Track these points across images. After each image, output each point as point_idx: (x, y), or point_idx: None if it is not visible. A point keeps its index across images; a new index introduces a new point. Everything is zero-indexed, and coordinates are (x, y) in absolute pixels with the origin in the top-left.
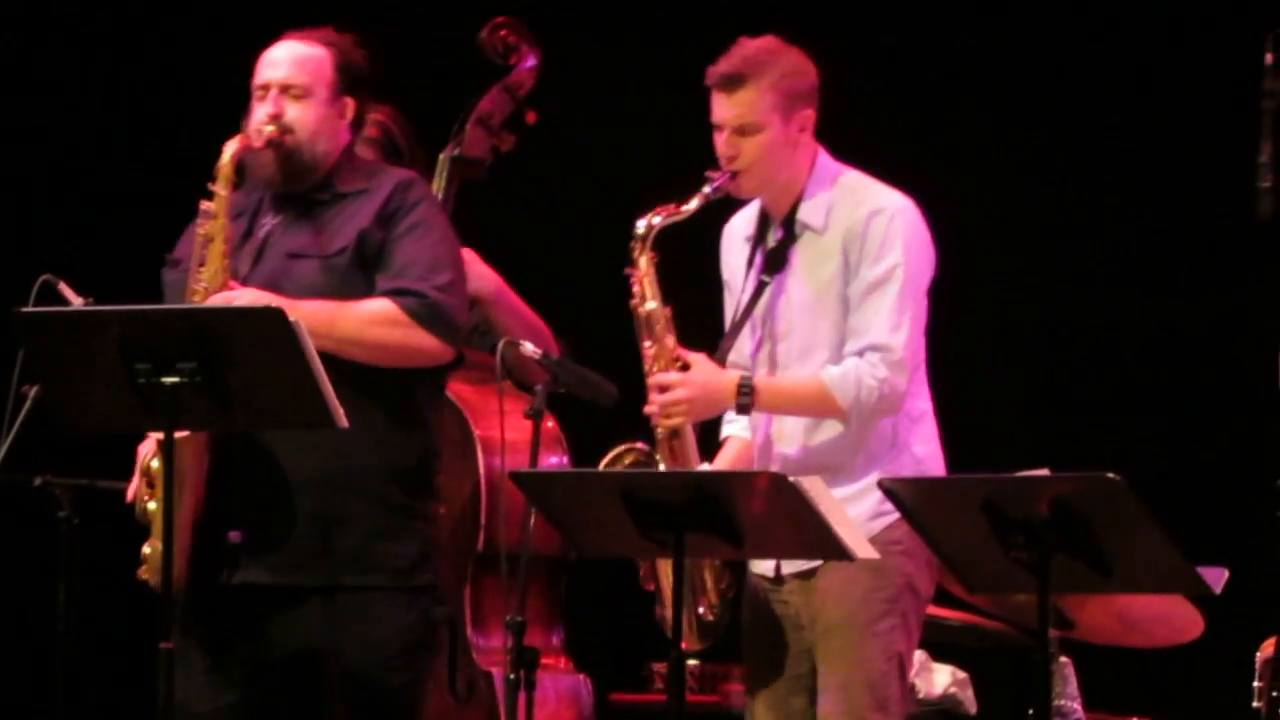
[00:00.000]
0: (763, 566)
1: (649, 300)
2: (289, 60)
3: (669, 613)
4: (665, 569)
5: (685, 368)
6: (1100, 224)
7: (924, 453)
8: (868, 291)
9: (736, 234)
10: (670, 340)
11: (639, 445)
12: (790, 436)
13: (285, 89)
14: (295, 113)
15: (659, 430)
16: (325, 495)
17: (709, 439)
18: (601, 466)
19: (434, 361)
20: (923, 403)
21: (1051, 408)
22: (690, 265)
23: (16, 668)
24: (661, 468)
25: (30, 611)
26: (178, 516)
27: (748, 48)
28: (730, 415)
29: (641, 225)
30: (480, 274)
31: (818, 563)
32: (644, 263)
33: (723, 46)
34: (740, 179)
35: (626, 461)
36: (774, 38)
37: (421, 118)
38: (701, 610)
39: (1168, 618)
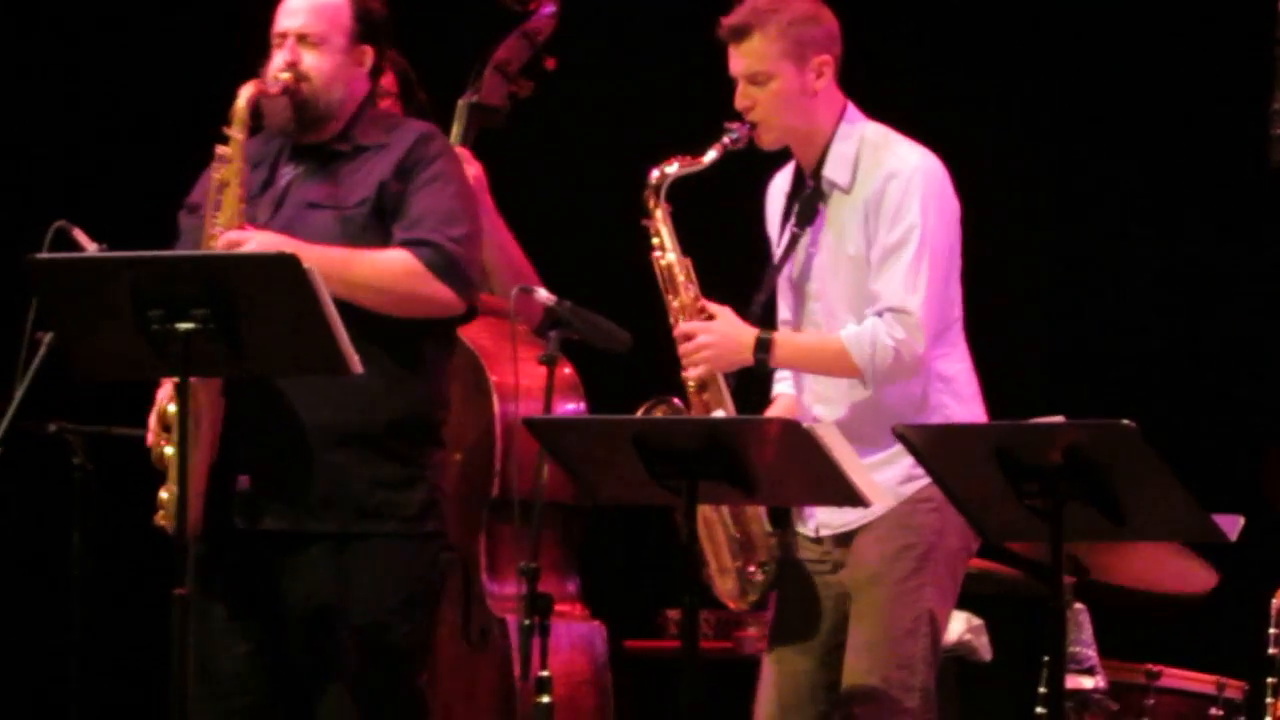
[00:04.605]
0: (805, 527)
1: (668, 252)
2: (306, 8)
3: (714, 574)
4: (707, 529)
5: (710, 319)
6: (1114, 172)
7: (955, 413)
8: (885, 255)
9: (777, 191)
10: (692, 291)
11: (673, 400)
12: (823, 402)
13: (302, 37)
14: (311, 61)
15: (689, 383)
16: (335, 443)
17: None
18: None
19: (446, 313)
20: (956, 363)
21: (1067, 356)
22: (723, 221)
23: (31, 614)
24: None
25: (44, 558)
26: (193, 462)
27: None
28: (781, 374)
29: (655, 175)
30: (488, 208)
31: (857, 525)
32: (659, 214)
33: None
34: (759, 130)
35: (657, 415)
36: None
37: (439, 64)
38: (751, 569)
39: (1183, 575)
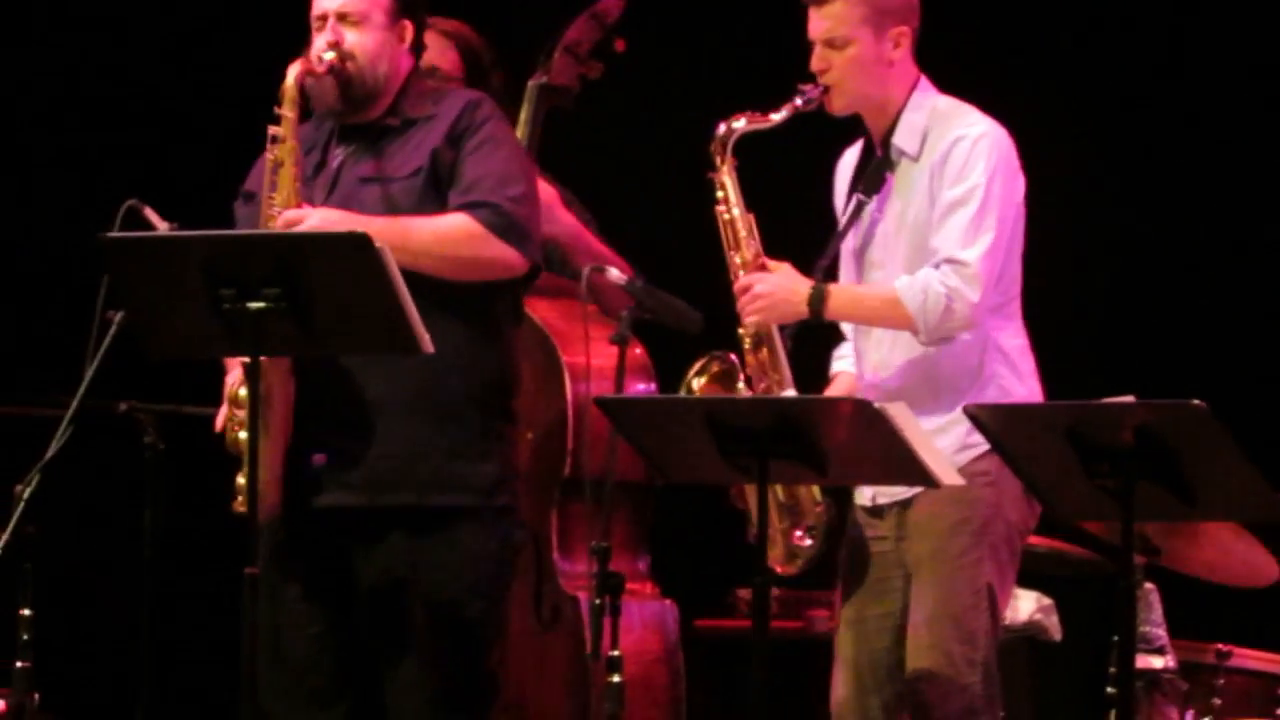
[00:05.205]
0: (862, 497)
1: (732, 207)
2: None
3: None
4: (754, 494)
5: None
6: (1184, 146)
7: (1012, 386)
8: (946, 211)
9: (846, 165)
10: (754, 247)
11: (729, 356)
12: (878, 368)
13: (342, 16)
14: (354, 39)
15: (745, 339)
16: (407, 416)
17: (820, 375)
18: (688, 376)
19: (510, 273)
20: (1014, 338)
21: (1132, 335)
22: (789, 191)
23: (102, 594)
24: (742, 386)
25: (115, 538)
26: (268, 444)
27: None
28: (840, 352)
29: (721, 128)
30: (556, 218)
31: (914, 492)
32: (724, 168)
33: None
34: (832, 94)
35: (713, 370)
36: None
37: (509, 45)
38: (798, 534)
39: (1250, 566)
